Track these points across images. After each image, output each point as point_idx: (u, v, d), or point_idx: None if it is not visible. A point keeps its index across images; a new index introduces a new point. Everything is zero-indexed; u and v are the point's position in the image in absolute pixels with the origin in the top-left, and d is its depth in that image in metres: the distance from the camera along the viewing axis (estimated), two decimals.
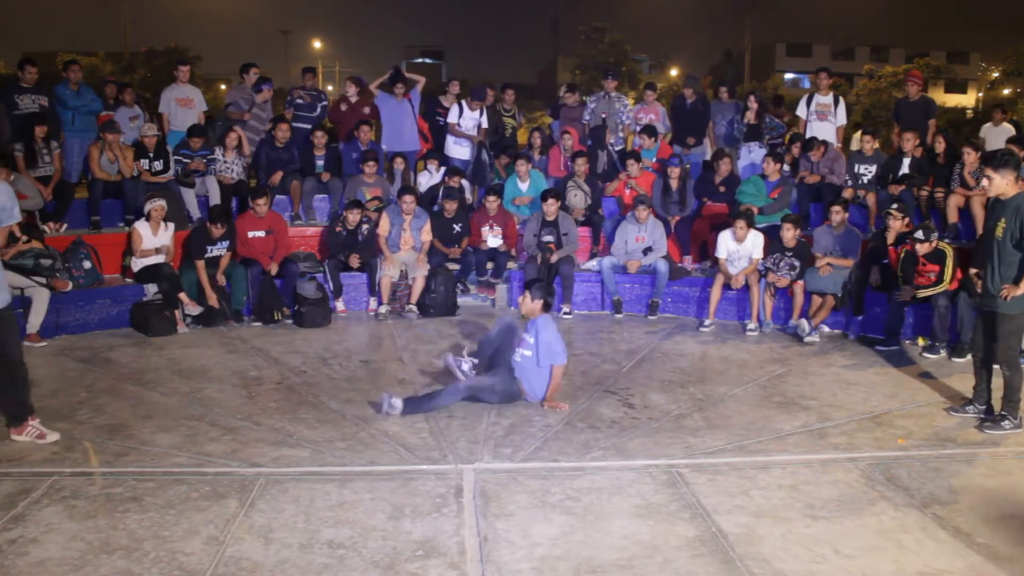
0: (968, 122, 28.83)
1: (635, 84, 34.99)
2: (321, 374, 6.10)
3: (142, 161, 8.71)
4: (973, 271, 5.78)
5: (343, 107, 10.17)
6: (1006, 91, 34.54)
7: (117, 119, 9.20)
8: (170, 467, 4.31)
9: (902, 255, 7.05)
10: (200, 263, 7.52)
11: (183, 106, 9.66)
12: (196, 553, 3.41)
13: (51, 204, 8.26)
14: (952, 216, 8.27)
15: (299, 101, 10.17)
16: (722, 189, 9.02)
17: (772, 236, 7.85)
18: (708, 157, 10.38)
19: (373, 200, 8.98)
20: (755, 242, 7.73)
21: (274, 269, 7.81)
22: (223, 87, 30.40)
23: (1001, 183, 4.91)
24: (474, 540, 3.56)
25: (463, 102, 10.19)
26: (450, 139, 10.23)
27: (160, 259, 7.56)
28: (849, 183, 9.08)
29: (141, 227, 7.63)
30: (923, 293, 6.82)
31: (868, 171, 9.08)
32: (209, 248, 7.63)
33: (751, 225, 7.79)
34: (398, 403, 5.11)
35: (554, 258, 8.24)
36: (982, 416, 5.19)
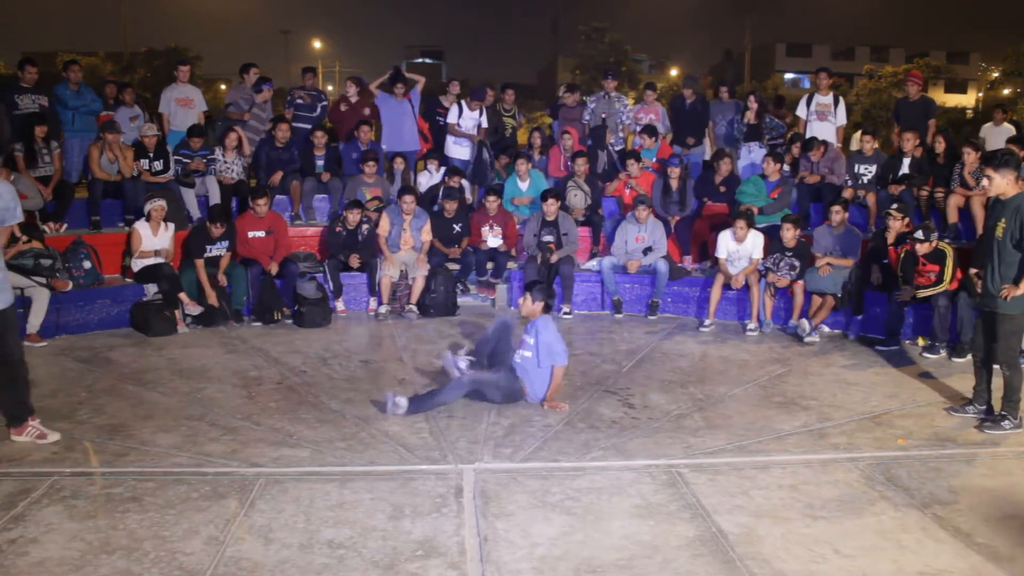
0: (968, 122, 28.84)
1: (635, 84, 34.99)
2: (321, 374, 6.10)
3: (142, 161, 8.71)
4: (973, 271, 5.78)
5: (343, 107, 10.17)
6: (1006, 91, 34.54)
7: (117, 119, 9.20)
8: (170, 467, 4.31)
9: (902, 255, 7.05)
10: (199, 262, 7.53)
11: (183, 106, 9.66)
12: (196, 553, 3.41)
13: (51, 204, 8.26)
14: (952, 216, 8.27)
15: (299, 101, 10.17)
16: (722, 189, 9.02)
17: (772, 236, 7.85)
18: (707, 157, 10.39)
19: (373, 200, 8.98)
20: (755, 242, 7.73)
21: (274, 269, 7.81)
22: (223, 87, 30.41)
23: (1001, 183, 4.91)
24: (474, 540, 3.56)
25: (463, 102, 10.20)
26: (450, 139, 10.23)
27: (159, 260, 7.56)
28: (849, 183, 9.08)
29: (141, 227, 7.63)
30: (923, 293, 6.82)
31: (868, 171, 9.08)
32: (209, 248, 7.63)
33: (751, 225, 7.79)
34: (403, 402, 5.11)
35: (554, 258, 8.24)
36: (982, 416, 5.19)
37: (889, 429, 5.06)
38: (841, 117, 9.91)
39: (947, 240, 7.47)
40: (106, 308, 7.40)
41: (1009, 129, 10.08)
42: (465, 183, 9.59)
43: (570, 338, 6.87)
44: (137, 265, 7.59)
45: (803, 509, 3.90)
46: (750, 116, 9.99)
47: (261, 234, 7.95)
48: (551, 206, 8.33)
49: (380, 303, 8.07)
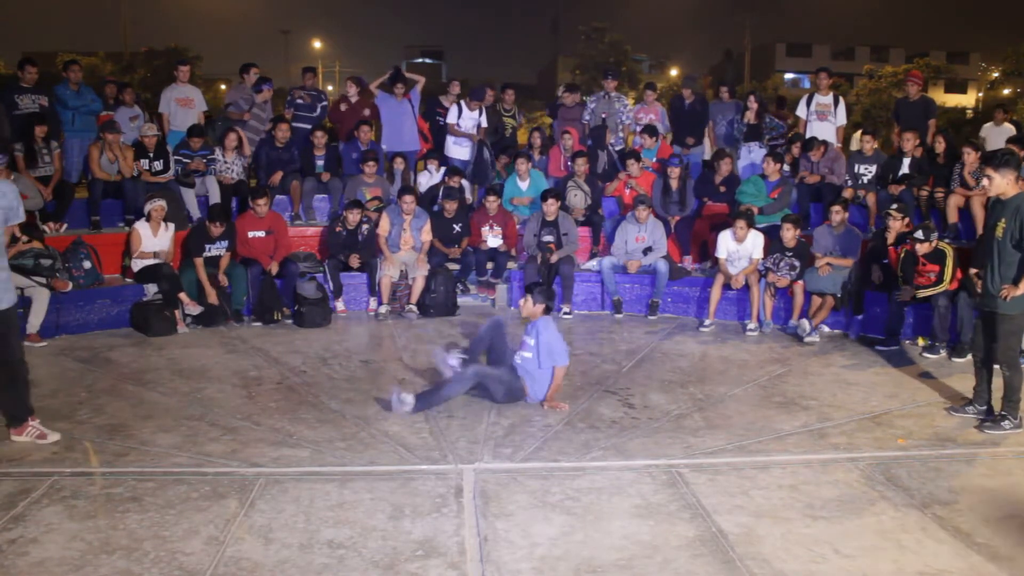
0: (968, 122, 28.85)
1: (635, 84, 35.00)
2: (321, 374, 6.10)
3: (142, 161, 8.71)
4: (973, 271, 5.78)
5: (343, 107, 10.17)
6: (1006, 91, 34.56)
7: (117, 119, 9.20)
8: (170, 467, 4.31)
9: (902, 255, 7.05)
10: (198, 261, 7.53)
11: (183, 106, 9.66)
12: (196, 553, 3.41)
13: (51, 204, 8.26)
14: (952, 216, 8.27)
15: (299, 101, 10.17)
16: (722, 189, 9.02)
17: (772, 236, 7.85)
18: (707, 157, 10.39)
19: (373, 200, 8.98)
20: (755, 242, 7.73)
21: (274, 268, 7.81)
22: (223, 87, 30.41)
23: (1001, 183, 4.91)
24: (474, 540, 3.56)
25: (462, 102, 10.20)
26: (450, 139, 10.24)
27: (158, 261, 7.56)
28: (849, 183, 9.08)
29: (141, 227, 7.63)
30: (923, 293, 6.82)
31: (868, 171, 9.08)
32: (208, 247, 7.63)
33: (751, 225, 7.79)
34: (409, 398, 5.12)
35: (554, 258, 8.24)
36: (982, 416, 5.19)
37: (889, 429, 5.06)
38: (841, 117, 9.91)
39: (947, 240, 7.47)
40: (106, 308, 7.40)
41: (1009, 129, 10.08)
42: (465, 183, 9.59)
43: (570, 338, 6.88)
44: (137, 265, 7.59)
45: (803, 509, 3.90)
46: (750, 116, 9.99)
47: (261, 234, 7.95)
48: (551, 206, 8.33)
49: (380, 303, 8.07)
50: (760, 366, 6.47)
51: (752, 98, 10.19)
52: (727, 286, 7.80)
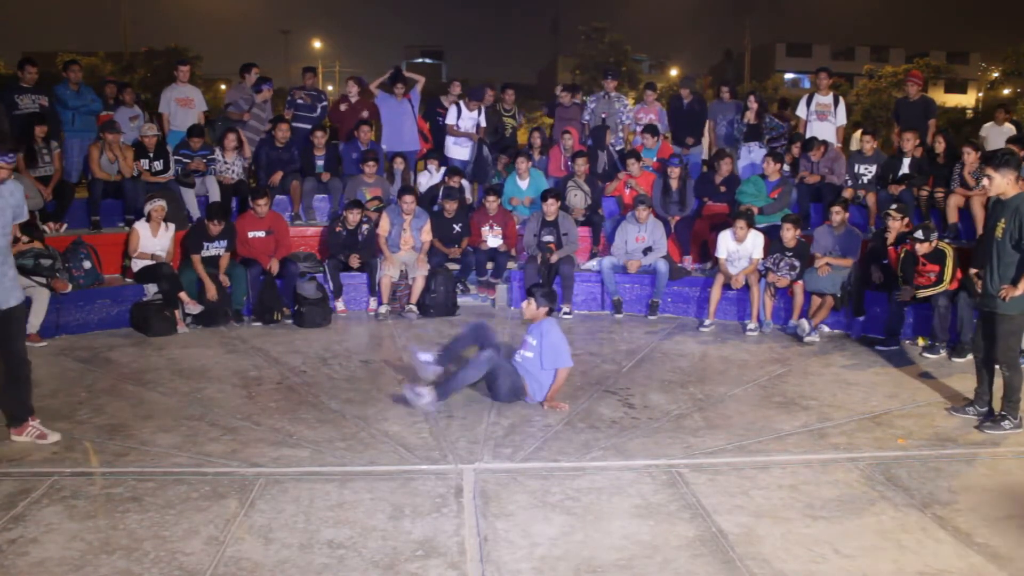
0: (968, 122, 28.85)
1: (635, 84, 34.98)
2: (321, 374, 6.10)
3: (142, 161, 8.71)
4: (973, 271, 5.78)
5: (343, 107, 10.17)
6: (1006, 91, 34.55)
7: (117, 119, 9.20)
8: (170, 467, 4.31)
9: (902, 255, 7.05)
10: (196, 257, 7.53)
11: (183, 106, 9.66)
12: (196, 553, 3.41)
13: (51, 204, 8.26)
14: (952, 216, 8.27)
15: (299, 101, 10.17)
16: (722, 189, 9.02)
17: (772, 236, 7.85)
18: (705, 157, 10.39)
19: (373, 200, 8.98)
20: (755, 242, 7.73)
21: (275, 267, 7.80)
22: (223, 87, 30.40)
23: (1001, 183, 4.90)
24: (474, 540, 3.56)
25: (461, 103, 10.21)
26: (450, 139, 10.25)
27: (157, 261, 7.56)
28: (849, 183, 9.08)
29: (141, 227, 7.63)
30: (923, 293, 6.82)
31: (868, 171, 9.08)
32: (206, 245, 7.63)
33: (751, 225, 7.79)
34: (425, 391, 5.14)
35: (554, 258, 8.24)
36: (982, 416, 5.19)
37: (889, 429, 5.06)
38: (841, 117, 9.91)
39: (947, 240, 7.47)
40: (106, 308, 7.40)
41: (1010, 129, 10.07)
42: (465, 183, 9.60)
43: (570, 338, 6.82)
44: (137, 265, 7.60)
45: (803, 509, 3.90)
46: (750, 116, 9.99)
47: (261, 234, 7.95)
48: (551, 206, 8.33)
49: (380, 303, 8.07)
50: (760, 366, 6.47)
51: (752, 98, 10.19)
52: (727, 286, 7.80)
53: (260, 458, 4.44)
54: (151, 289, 7.58)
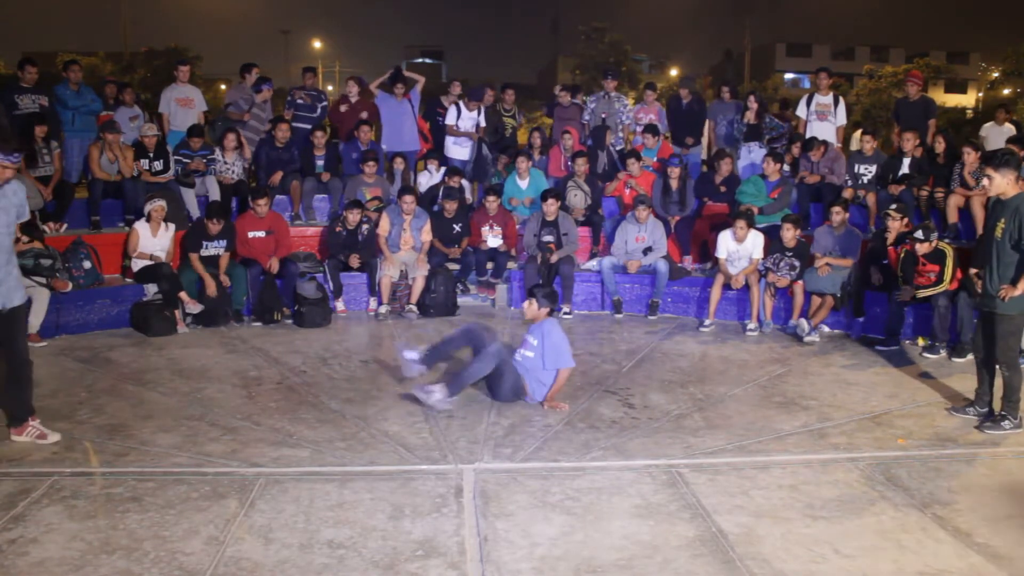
0: (968, 122, 28.85)
1: (635, 84, 34.99)
2: (321, 374, 6.10)
3: (142, 161, 8.71)
4: (973, 271, 5.78)
5: (343, 108, 10.17)
6: (1006, 91, 34.55)
7: (117, 119, 9.20)
8: (170, 467, 4.31)
9: (902, 255, 7.05)
10: (193, 255, 7.53)
11: (183, 106, 9.66)
12: (196, 553, 3.41)
13: (51, 204, 8.26)
14: (952, 216, 8.27)
15: (299, 101, 10.17)
16: (722, 189, 9.02)
17: (772, 236, 7.85)
18: (704, 157, 10.38)
19: (373, 200, 8.98)
20: (755, 242, 7.73)
21: (274, 265, 7.80)
22: (223, 87, 30.40)
23: (1001, 182, 4.90)
24: (474, 540, 3.56)
25: (460, 103, 10.21)
26: (449, 139, 10.25)
27: (156, 261, 7.56)
28: (849, 183, 9.08)
29: (141, 227, 7.64)
30: (923, 293, 6.82)
31: (868, 171, 9.08)
32: (205, 244, 7.63)
33: (751, 225, 7.79)
34: (436, 388, 5.17)
35: (554, 258, 8.24)
36: (982, 417, 5.19)
37: (889, 429, 5.06)
38: (841, 117, 9.91)
39: (947, 240, 7.47)
40: (106, 308, 7.40)
41: (1010, 129, 10.07)
42: (465, 183, 9.60)
43: (570, 338, 6.80)
44: (137, 265, 7.60)
45: (803, 509, 3.90)
46: (750, 116, 9.99)
47: (261, 234, 7.95)
48: (551, 206, 8.33)
49: (380, 303, 8.07)
50: (760, 366, 6.47)
51: (752, 98, 10.19)
52: (727, 286, 7.80)
53: (260, 458, 4.44)
54: (151, 289, 7.58)
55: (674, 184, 9.12)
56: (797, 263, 7.51)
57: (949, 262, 6.74)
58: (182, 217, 8.50)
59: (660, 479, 4.22)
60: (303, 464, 4.37)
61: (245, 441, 4.68)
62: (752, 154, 9.98)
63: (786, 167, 9.10)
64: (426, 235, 8.40)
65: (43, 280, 6.81)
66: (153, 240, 7.66)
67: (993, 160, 4.96)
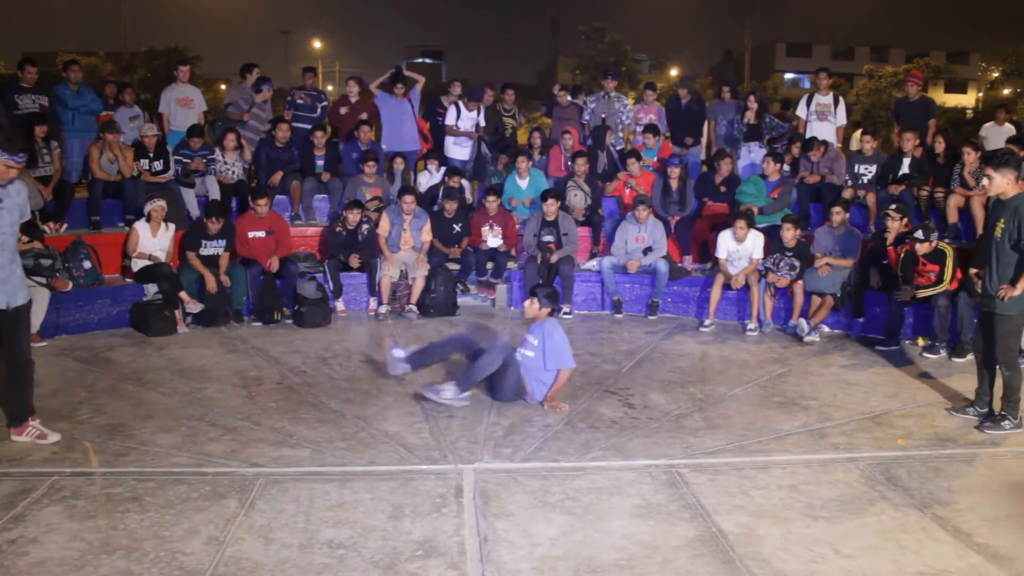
0: (968, 122, 28.86)
1: (635, 84, 34.98)
2: (321, 374, 6.10)
3: (142, 161, 8.71)
4: (973, 271, 5.78)
5: (343, 109, 10.17)
6: (1006, 91, 34.56)
7: (117, 119, 9.21)
8: (170, 467, 4.31)
9: (902, 255, 7.05)
10: (191, 254, 7.53)
11: (183, 106, 9.67)
12: (196, 553, 3.41)
13: (51, 204, 8.26)
14: (952, 216, 8.27)
15: (299, 101, 10.18)
16: (722, 189, 9.02)
17: (772, 236, 7.85)
18: (704, 157, 10.38)
19: (373, 200, 8.98)
20: (755, 242, 7.73)
21: (274, 264, 7.80)
22: (223, 87, 30.41)
23: (1001, 182, 4.90)
24: (474, 540, 3.56)
25: (460, 103, 10.21)
26: (449, 139, 10.25)
27: (156, 261, 7.56)
28: (849, 183, 9.08)
29: (141, 227, 7.64)
30: (923, 293, 6.82)
31: (868, 171, 9.08)
32: (204, 243, 7.63)
33: (751, 225, 7.79)
34: (446, 386, 5.20)
35: (554, 258, 8.24)
36: (982, 417, 5.19)
37: (889, 429, 5.06)
38: (841, 117, 9.91)
39: (947, 240, 7.47)
40: (106, 308, 7.40)
41: (1010, 129, 10.07)
42: (465, 183, 9.60)
43: (570, 338, 6.83)
44: (137, 265, 7.60)
45: (803, 509, 3.90)
46: (750, 116, 9.99)
47: (261, 234, 7.95)
48: (551, 206, 8.33)
49: (380, 303, 8.07)
50: (760, 366, 6.47)
51: (752, 98, 10.19)
52: (727, 286, 7.81)
53: (260, 458, 4.43)
54: (151, 289, 7.58)
55: (674, 184, 9.12)
56: (797, 263, 7.51)
57: (949, 262, 6.74)
58: (182, 217, 8.50)
59: (660, 479, 4.22)
60: (303, 464, 4.37)
61: (245, 441, 4.68)
62: (752, 154, 9.98)
63: (786, 167, 9.10)
64: (426, 235, 8.40)
65: (43, 280, 6.81)
66: (153, 240, 7.66)
67: (993, 160, 4.96)
